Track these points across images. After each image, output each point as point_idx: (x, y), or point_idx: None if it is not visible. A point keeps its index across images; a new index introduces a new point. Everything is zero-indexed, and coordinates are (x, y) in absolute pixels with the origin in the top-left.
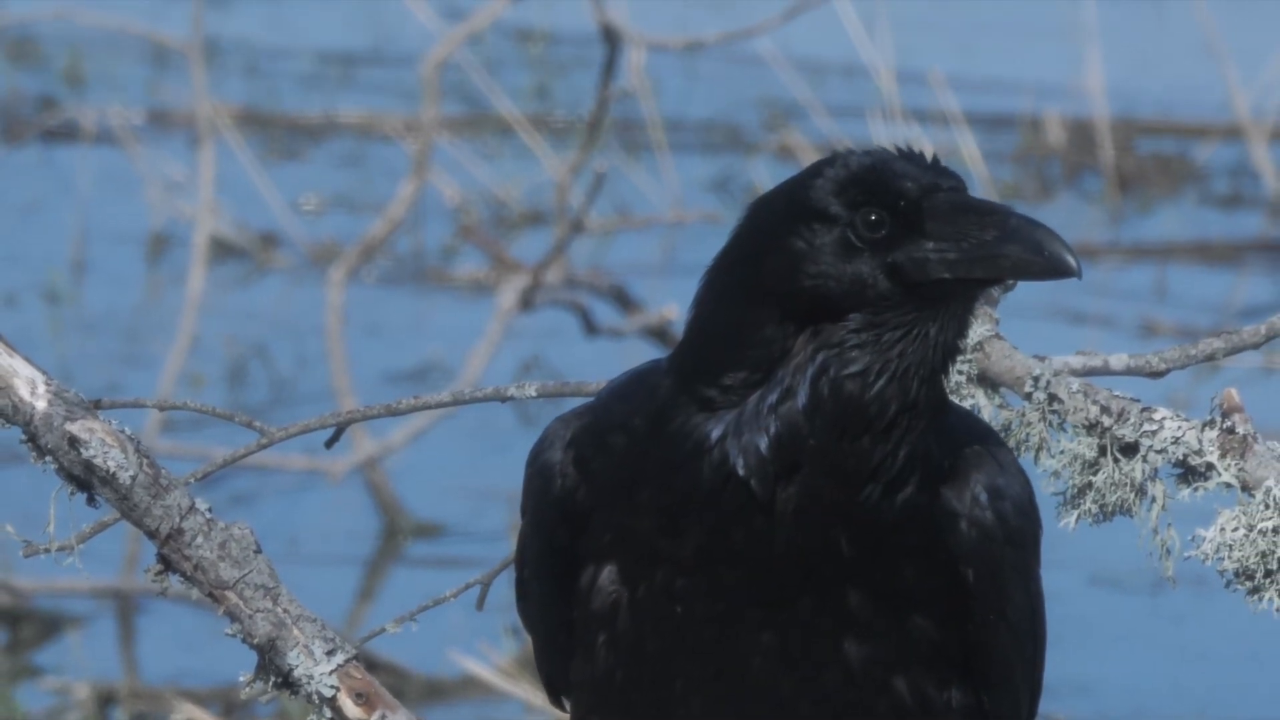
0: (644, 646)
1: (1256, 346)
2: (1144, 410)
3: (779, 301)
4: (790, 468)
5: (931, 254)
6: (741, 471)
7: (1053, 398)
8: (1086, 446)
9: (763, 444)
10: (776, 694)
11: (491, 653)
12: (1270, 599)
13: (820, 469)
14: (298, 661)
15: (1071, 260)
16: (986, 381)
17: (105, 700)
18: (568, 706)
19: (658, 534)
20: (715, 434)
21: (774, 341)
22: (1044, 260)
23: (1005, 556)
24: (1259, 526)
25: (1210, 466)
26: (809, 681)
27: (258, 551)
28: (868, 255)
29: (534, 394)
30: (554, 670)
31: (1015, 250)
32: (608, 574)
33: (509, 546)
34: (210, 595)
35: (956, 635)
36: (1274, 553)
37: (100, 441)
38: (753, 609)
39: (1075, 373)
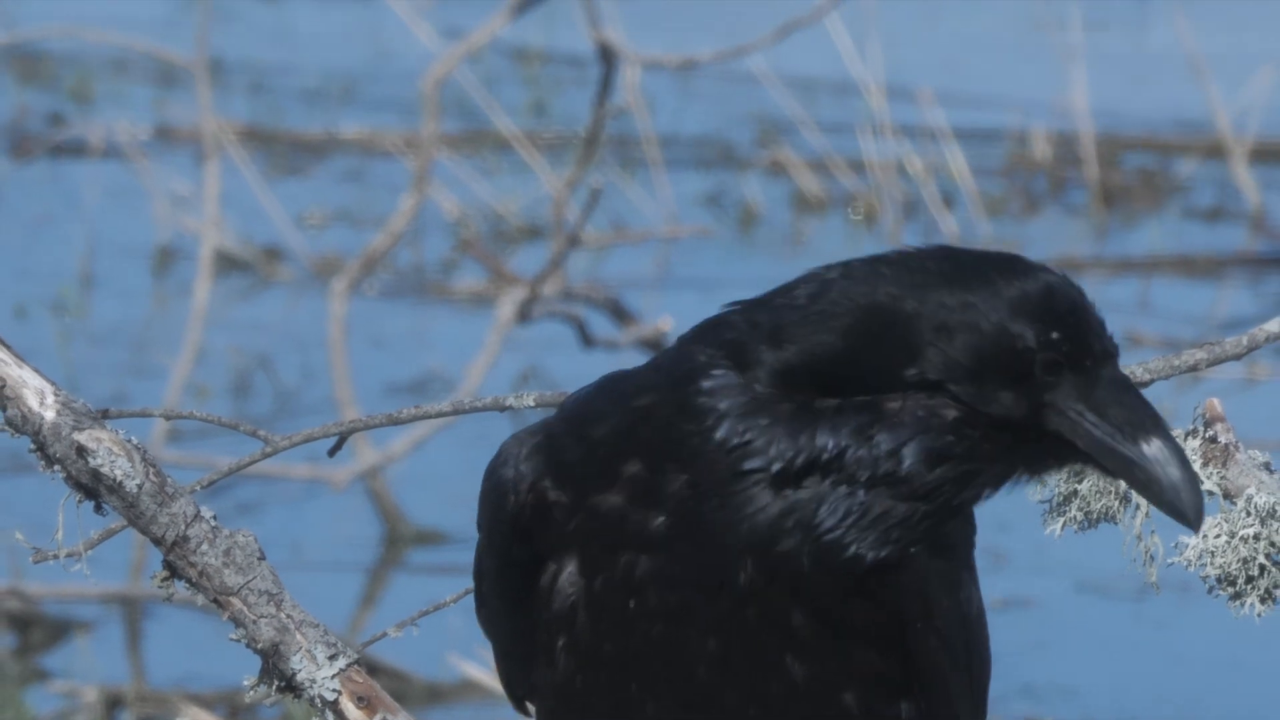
0: (601, 649)
1: (1238, 357)
2: None
3: (912, 349)
4: (804, 474)
5: (1084, 423)
6: (769, 458)
7: None
8: None
9: (816, 442)
10: (723, 702)
11: (489, 657)
12: (1251, 604)
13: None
14: (301, 666)
15: (1196, 516)
16: None
17: (112, 703)
18: (530, 710)
19: (632, 505)
20: (754, 422)
21: (874, 365)
22: (1173, 500)
23: (930, 566)
24: (1240, 533)
25: None
26: (753, 691)
27: (261, 558)
28: (1031, 383)
29: (532, 404)
30: (514, 677)
31: (1157, 472)
32: (568, 575)
33: None
34: (215, 601)
35: (899, 664)
36: (1255, 559)
37: (107, 451)
38: (703, 606)
39: None
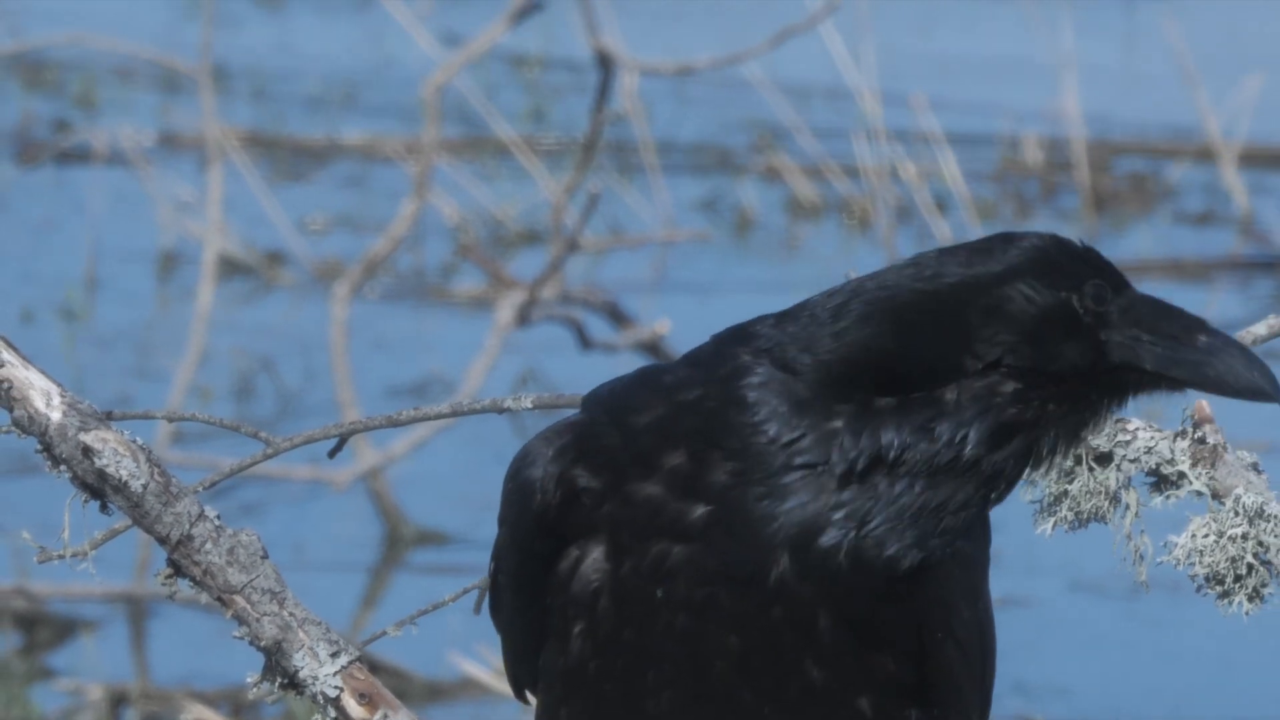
0: (621, 635)
1: None
2: (1118, 421)
3: (948, 336)
4: (867, 474)
5: (1144, 344)
6: (829, 455)
7: None
8: None
9: (880, 441)
10: (740, 699)
11: (489, 655)
12: (1240, 603)
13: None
14: (303, 663)
15: (1271, 388)
16: None
17: (117, 701)
18: (531, 700)
19: (671, 494)
20: (809, 420)
21: (925, 363)
22: (1251, 380)
23: (951, 575)
24: (1229, 533)
25: (1182, 475)
26: (770, 690)
27: (264, 557)
28: (1085, 326)
29: (530, 406)
30: (521, 671)
31: (1223, 363)
32: (593, 560)
33: None
34: (219, 599)
35: (915, 671)
36: (1243, 558)
37: (113, 451)
38: (730, 601)
39: None
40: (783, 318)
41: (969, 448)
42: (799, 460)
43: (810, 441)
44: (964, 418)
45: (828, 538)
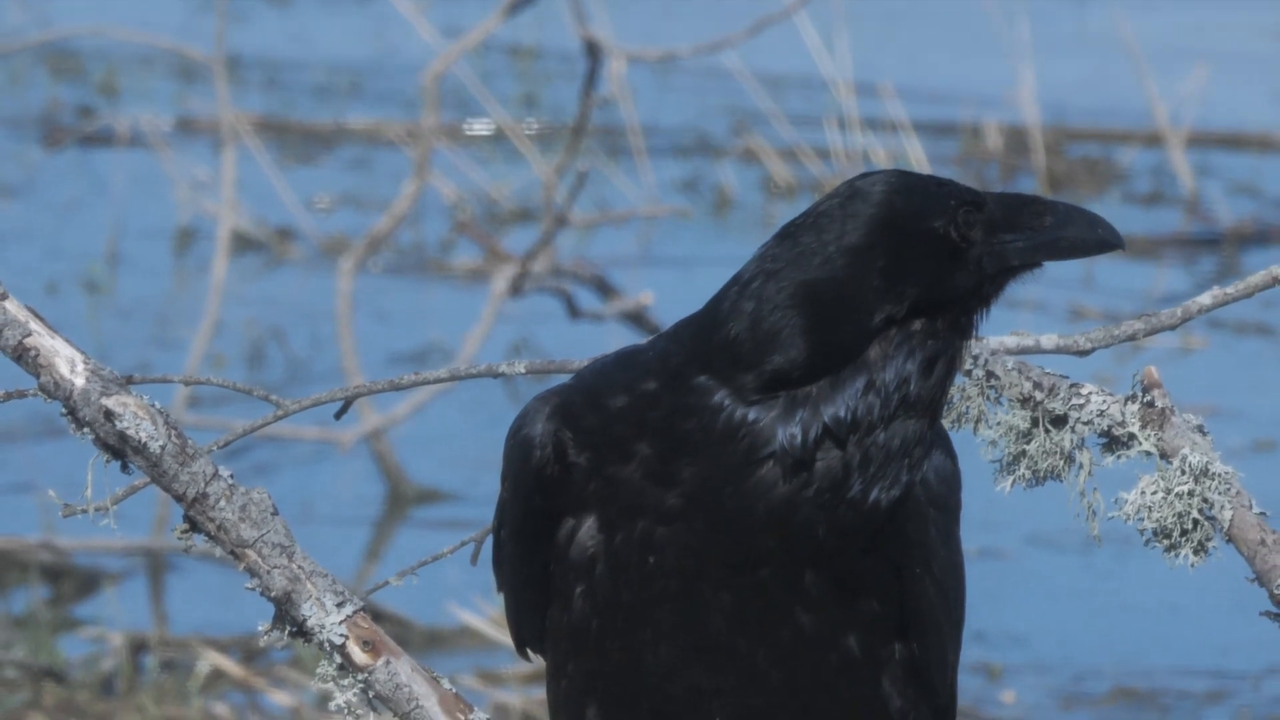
0: (619, 597)
1: (1173, 328)
2: (1072, 386)
3: (858, 309)
4: (817, 449)
5: (1008, 245)
6: (783, 444)
7: (990, 374)
8: (1020, 418)
9: (829, 418)
10: (735, 647)
11: (485, 605)
12: (1185, 556)
13: (860, 455)
14: (311, 613)
15: (1117, 236)
16: None
17: (137, 649)
18: (532, 657)
19: (648, 481)
20: (755, 414)
21: (847, 341)
22: (1097, 237)
23: (928, 516)
24: (1175, 490)
25: (1132, 436)
26: (763, 639)
27: (274, 514)
28: (966, 255)
29: (523, 371)
30: (523, 625)
31: (1073, 232)
32: (587, 528)
33: None
34: (232, 553)
35: (897, 610)
36: (1189, 514)
37: (133, 414)
38: (718, 568)
39: (1010, 352)
40: (700, 336)
41: (911, 388)
42: (760, 453)
43: (758, 438)
44: (898, 365)
45: (801, 515)
